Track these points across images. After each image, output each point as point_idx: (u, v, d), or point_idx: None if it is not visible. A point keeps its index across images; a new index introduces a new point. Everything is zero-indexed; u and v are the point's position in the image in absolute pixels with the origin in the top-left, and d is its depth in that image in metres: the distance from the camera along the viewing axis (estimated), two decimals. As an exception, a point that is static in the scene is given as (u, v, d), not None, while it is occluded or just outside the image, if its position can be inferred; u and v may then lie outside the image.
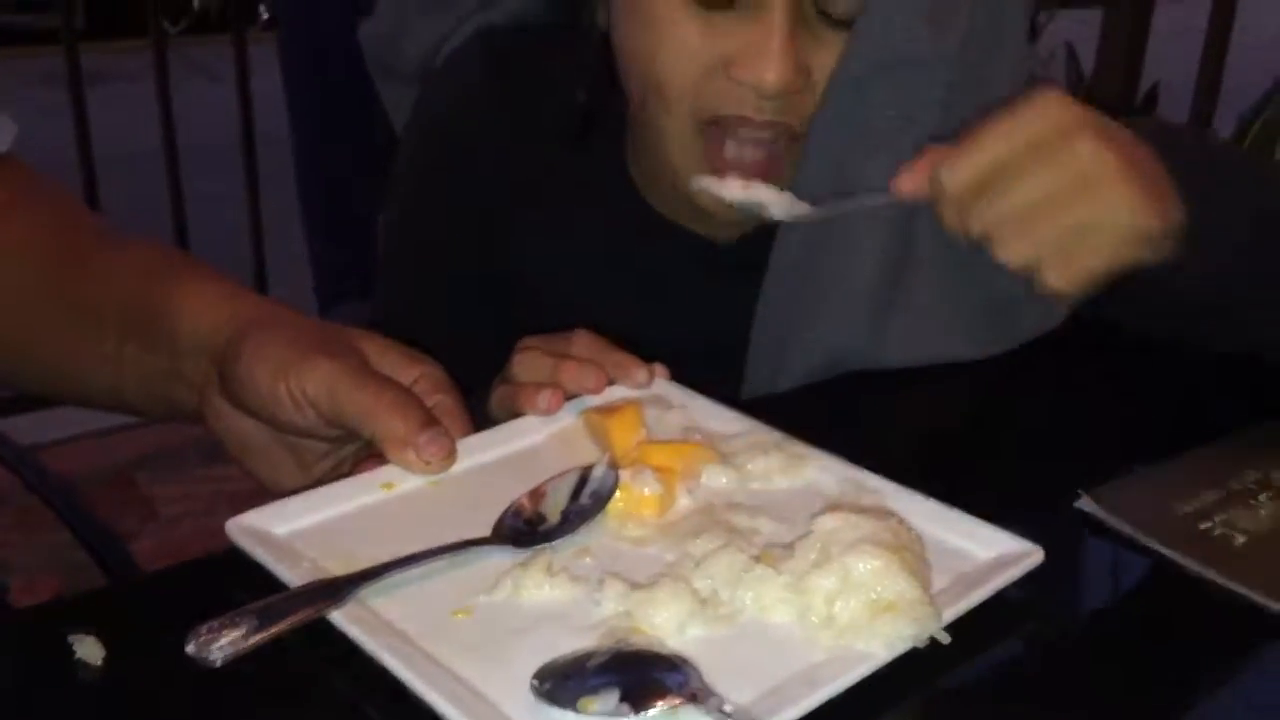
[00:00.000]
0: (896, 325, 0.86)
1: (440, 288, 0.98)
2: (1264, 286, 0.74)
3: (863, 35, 0.79)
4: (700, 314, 0.92)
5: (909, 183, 0.67)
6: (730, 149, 0.80)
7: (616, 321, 0.77)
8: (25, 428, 2.01)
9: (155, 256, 0.72)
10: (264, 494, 0.67)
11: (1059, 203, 0.63)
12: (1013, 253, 0.64)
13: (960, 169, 0.64)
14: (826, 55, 0.79)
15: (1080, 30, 2.35)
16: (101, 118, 2.38)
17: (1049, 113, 0.64)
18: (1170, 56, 2.50)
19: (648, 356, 0.72)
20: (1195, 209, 0.67)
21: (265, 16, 4.72)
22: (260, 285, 2.52)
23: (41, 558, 1.70)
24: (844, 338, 0.86)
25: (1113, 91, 1.83)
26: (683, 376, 0.73)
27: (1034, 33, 1.85)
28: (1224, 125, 2.08)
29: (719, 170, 0.80)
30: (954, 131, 0.66)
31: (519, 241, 0.94)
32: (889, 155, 0.76)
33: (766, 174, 0.78)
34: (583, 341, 0.71)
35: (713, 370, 0.80)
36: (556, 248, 0.94)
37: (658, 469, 0.61)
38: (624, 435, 0.64)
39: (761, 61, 0.76)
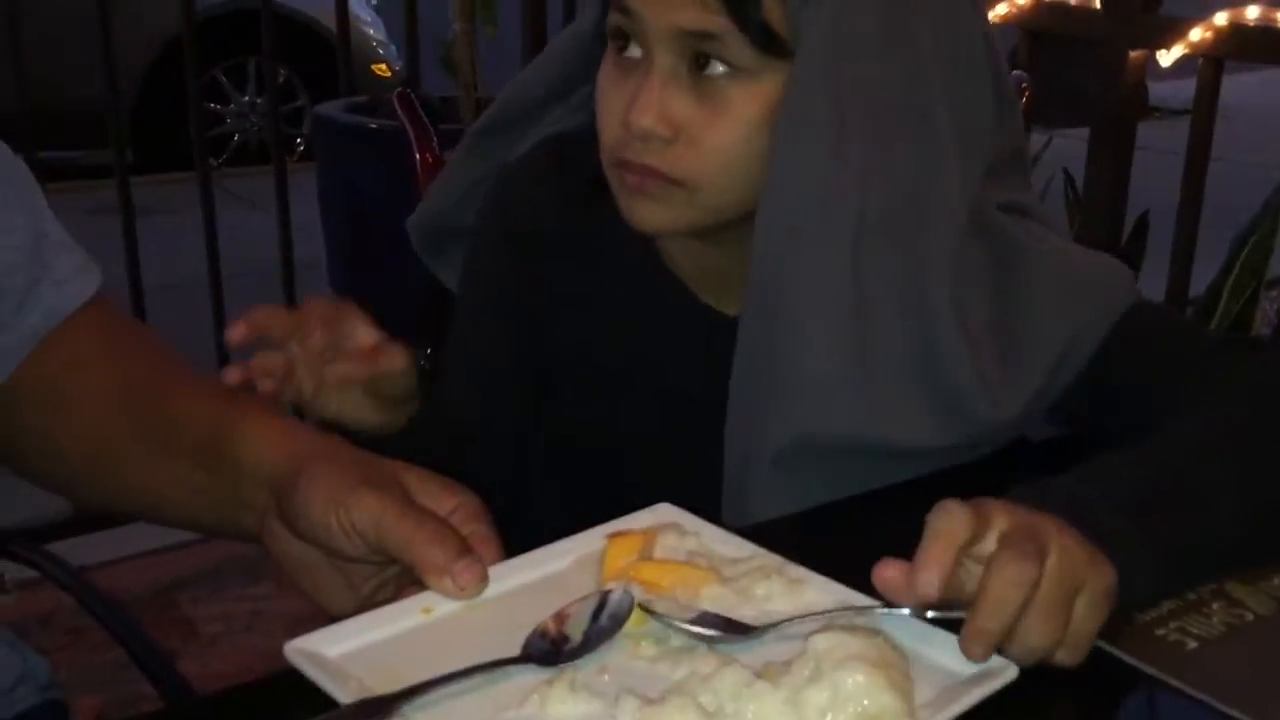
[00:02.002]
0: (857, 405, 0.90)
1: (495, 368, 1.07)
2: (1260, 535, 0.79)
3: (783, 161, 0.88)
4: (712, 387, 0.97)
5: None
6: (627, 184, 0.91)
7: (638, 393, 0.87)
8: (71, 551, 2.09)
9: (224, 396, 0.82)
10: (298, 613, 0.75)
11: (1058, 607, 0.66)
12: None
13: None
14: (704, 114, 0.87)
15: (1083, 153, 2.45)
16: (148, 247, 2.51)
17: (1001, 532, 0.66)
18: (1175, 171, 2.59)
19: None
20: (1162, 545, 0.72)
21: (301, 147, 4.93)
22: (297, 407, 2.61)
23: (88, 677, 1.76)
24: (804, 421, 0.90)
25: (1100, 218, 1.91)
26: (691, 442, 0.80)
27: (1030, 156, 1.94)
28: (1219, 247, 2.15)
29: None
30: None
31: (566, 325, 1.04)
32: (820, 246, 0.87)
33: (642, 193, 0.89)
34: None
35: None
36: (594, 321, 1.03)
37: (645, 585, 0.68)
38: (616, 557, 0.71)
39: (635, 108, 0.87)
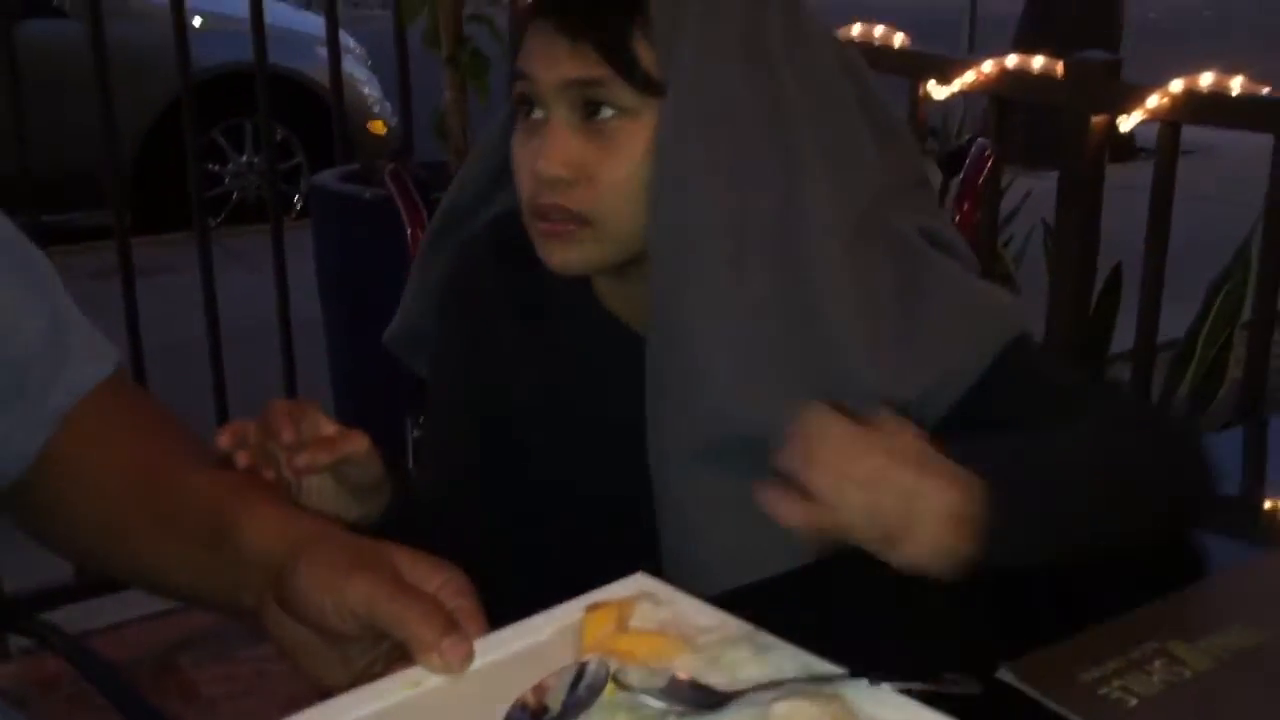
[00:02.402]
0: (759, 403, 0.99)
1: (458, 426, 1.17)
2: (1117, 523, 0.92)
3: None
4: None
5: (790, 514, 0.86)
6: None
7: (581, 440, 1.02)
8: (74, 615, 2.13)
9: (232, 480, 0.88)
10: (299, 673, 0.79)
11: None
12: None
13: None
14: (598, 154, 0.98)
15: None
16: (147, 308, 2.54)
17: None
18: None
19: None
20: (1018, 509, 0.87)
21: (299, 205, 5.01)
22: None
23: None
24: (712, 424, 1.00)
25: (1070, 277, 1.97)
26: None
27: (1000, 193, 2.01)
28: (1195, 283, 2.20)
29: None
30: None
31: (524, 382, 1.13)
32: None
33: (555, 236, 1.00)
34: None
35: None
36: (548, 371, 1.12)
37: (621, 655, 0.72)
38: (594, 628, 0.76)
39: (540, 158, 0.98)
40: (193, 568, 0.85)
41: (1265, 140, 1.79)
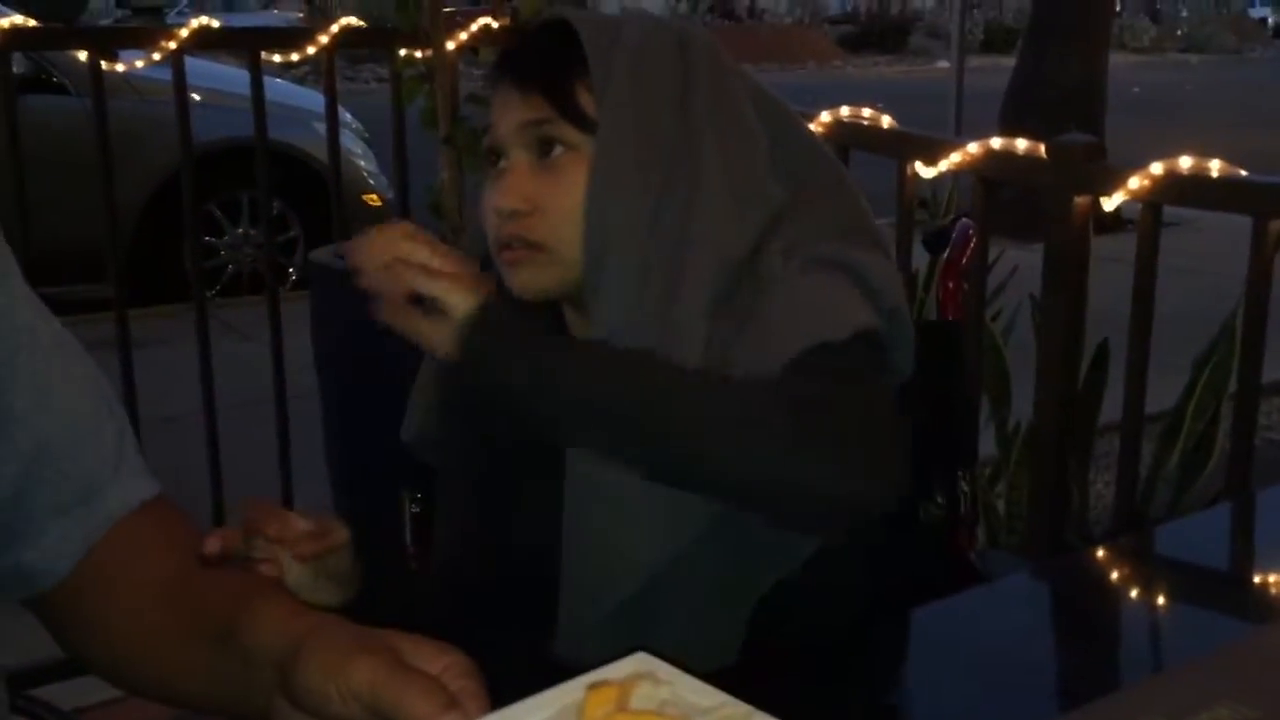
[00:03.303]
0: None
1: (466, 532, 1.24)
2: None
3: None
4: None
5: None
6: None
7: None
8: (68, 692, 2.11)
9: (240, 582, 0.90)
10: None
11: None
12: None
13: None
14: (549, 186, 1.12)
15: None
16: (142, 380, 2.56)
17: None
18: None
19: None
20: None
21: (294, 278, 5.04)
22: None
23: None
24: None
25: (1057, 353, 1.99)
26: None
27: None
28: (1183, 354, 2.22)
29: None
30: None
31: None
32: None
33: (516, 264, 1.14)
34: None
35: None
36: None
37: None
38: (595, 708, 0.76)
39: (499, 196, 1.12)
40: (207, 674, 0.86)
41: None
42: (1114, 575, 1.19)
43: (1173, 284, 2.17)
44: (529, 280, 1.14)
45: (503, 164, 1.14)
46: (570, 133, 1.12)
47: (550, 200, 1.11)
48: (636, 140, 1.11)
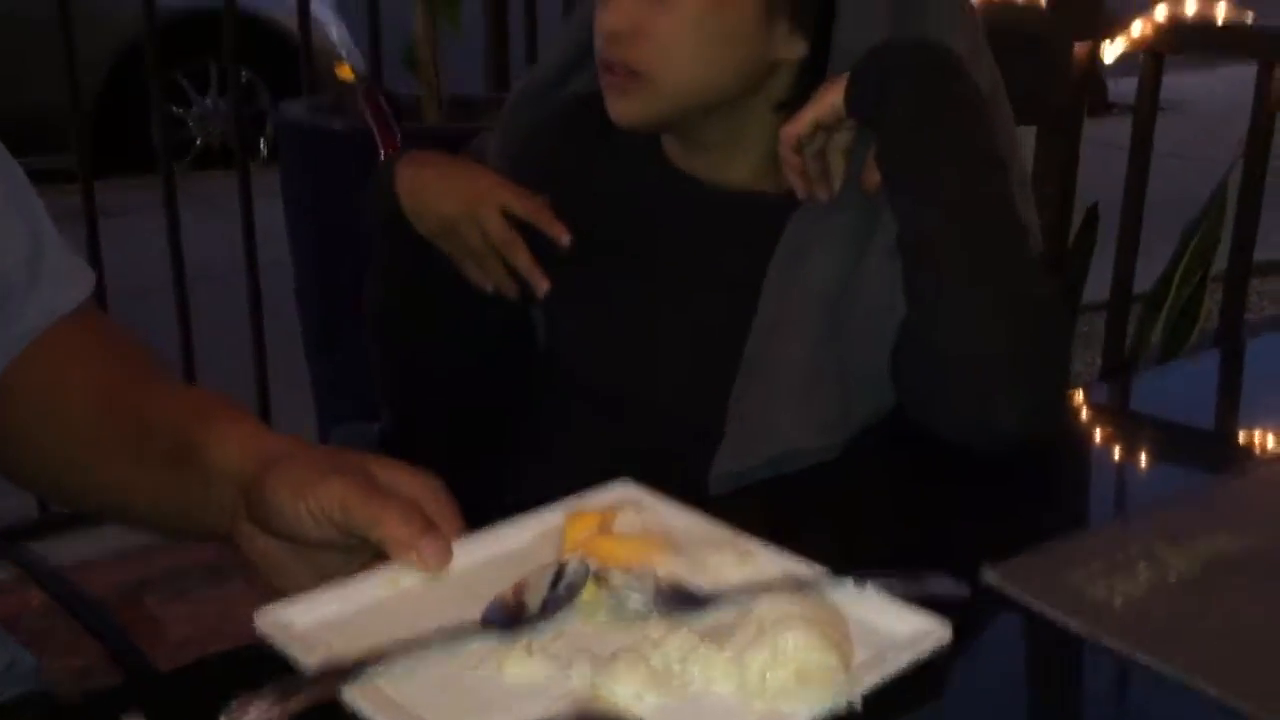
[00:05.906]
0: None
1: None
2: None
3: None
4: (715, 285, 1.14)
5: None
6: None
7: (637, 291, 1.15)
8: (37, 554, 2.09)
9: (197, 399, 0.85)
10: (273, 595, 0.77)
11: None
12: None
13: None
14: (654, 11, 1.08)
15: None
16: (109, 251, 2.50)
17: None
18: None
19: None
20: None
21: (265, 153, 4.93)
22: (264, 407, 2.62)
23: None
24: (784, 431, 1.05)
25: (1049, 211, 1.96)
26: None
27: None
28: (1172, 242, 2.21)
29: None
30: None
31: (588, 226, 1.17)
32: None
33: (616, 89, 1.12)
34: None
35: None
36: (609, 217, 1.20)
37: (602, 557, 0.71)
38: (575, 531, 0.75)
39: (605, 17, 1.10)
40: (157, 492, 0.82)
41: (1237, 95, 1.80)
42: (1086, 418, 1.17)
43: (1158, 167, 2.13)
44: (625, 110, 1.13)
45: None
46: None
47: (653, 26, 1.09)
48: None
